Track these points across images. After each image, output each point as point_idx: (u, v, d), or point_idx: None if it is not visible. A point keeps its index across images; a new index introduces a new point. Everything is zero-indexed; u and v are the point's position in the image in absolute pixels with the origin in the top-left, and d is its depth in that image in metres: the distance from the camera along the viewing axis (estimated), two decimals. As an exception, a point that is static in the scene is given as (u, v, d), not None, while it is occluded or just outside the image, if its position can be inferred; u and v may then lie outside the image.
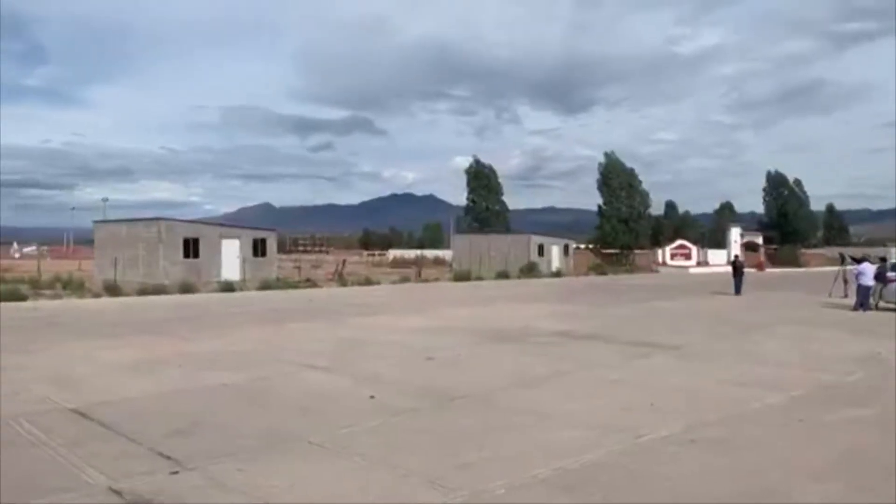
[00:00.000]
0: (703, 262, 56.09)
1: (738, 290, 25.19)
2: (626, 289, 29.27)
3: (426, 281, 34.52)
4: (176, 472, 5.05)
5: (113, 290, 24.03)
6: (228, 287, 26.79)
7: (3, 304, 19.69)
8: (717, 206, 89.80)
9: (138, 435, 6.08)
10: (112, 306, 20.08)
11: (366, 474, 5.04)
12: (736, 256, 30.55)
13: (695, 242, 61.15)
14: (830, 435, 6.21)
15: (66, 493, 4.60)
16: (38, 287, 24.35)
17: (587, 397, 7.75)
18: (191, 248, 31.56)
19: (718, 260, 57.53)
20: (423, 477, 4.96)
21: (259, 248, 34.28)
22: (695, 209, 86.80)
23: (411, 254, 63.97)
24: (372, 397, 7.63)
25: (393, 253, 72.05)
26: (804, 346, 12.07)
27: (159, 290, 24.66)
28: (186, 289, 25.44)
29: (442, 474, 5.00)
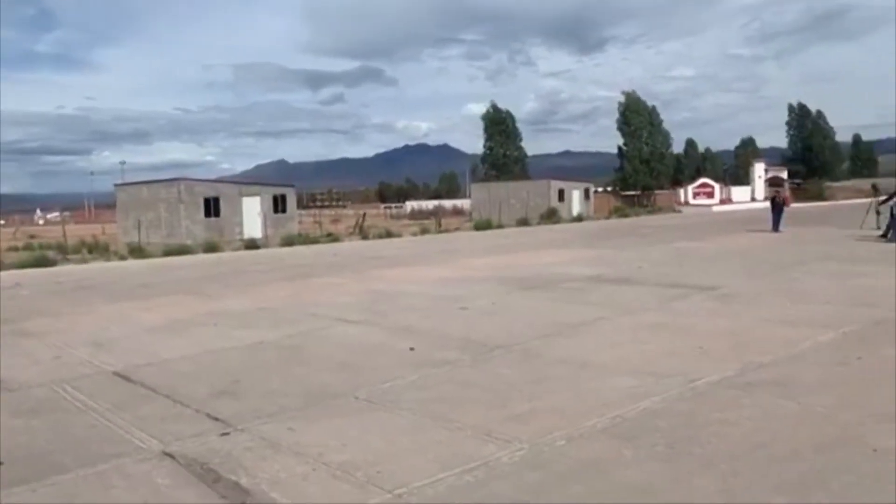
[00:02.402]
0: (726, 200, 55.18)
1: (776, 227, 24.49)
2: (651, 230, 28.84)
3: (446, 231, 34.33)
4: (226, 434, 4.99)
5: (138, 251, 24.18)
6: (252, 244, 26.86)
7: (33, 269, 19.90)
8: (738, 142, 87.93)
9: (183, 396, 6.04)
10: (138, 268, 20.20)
11: (417, 429, 4.94)
12: (777, 191, 29.48)
13: (717, 180, 60.01)
14: (893, 372, 5.97)
15: (119, 459, 4.55)
16: (65, 252, 24.59)
17: (630, 343, 7.57)
18: (211, 207, 31.61)
19: (742, 197, 56.56)
20: (477, 430, 4.84)
21: (279, 204, 34.25)
22: (716, 146, 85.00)
23: (429, 205, 63.65)
24: (412, 349, 7.53)
25: (411, 204, 71.68)
26: (846, 281, 11.74)
27: (183, 251, 24.78)
28: (210, 248, 25.53)
29: (495, 427, 4.88)
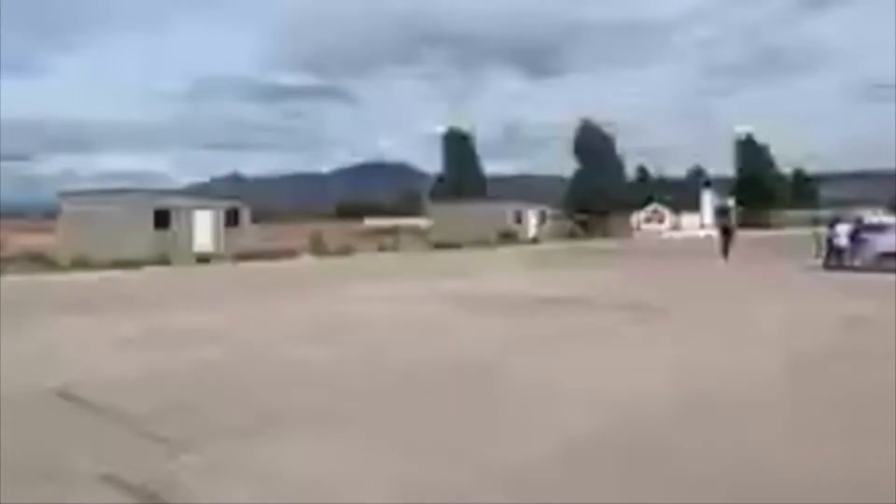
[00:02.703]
0: (676, 227, 56.69)
1: (725, 254, 25.02)
2: (604, 254, 29.38)
3: (403, 250, 34.24)
4: (172, 456, 4.77)
5: (83, 264, 23.27)
6: (203, 259, 26.19)
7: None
8: (689, 170, 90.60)
9: (127, 416, 5.76)
10: (83, 281, 19.41)
11: (378, 450, 4.82)
12: (727, 220, 30.23)
13: (668, 207, 61.68)
14: (842, 395, 6.16)
15: (55, 483, 4.29)
16: (2, 263, 23.46)
17: (587, 365, 7.62)
18: (162, 220, 30.70)
19: (691, 224, 58.20)
20: (443, 451, 4.75)
21: (233, 218, 33.53)
22: (667, 174, 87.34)
23: (387, 223, 63.40)
24: (370, 368, 7.40)
25: (368, 222, 71.27)
26: (791, 307, 12.14)
27: (131, 264, 23.96)
28: (159, 261, 24.78)
29: (463, 448, 4.81)
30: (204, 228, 31.54)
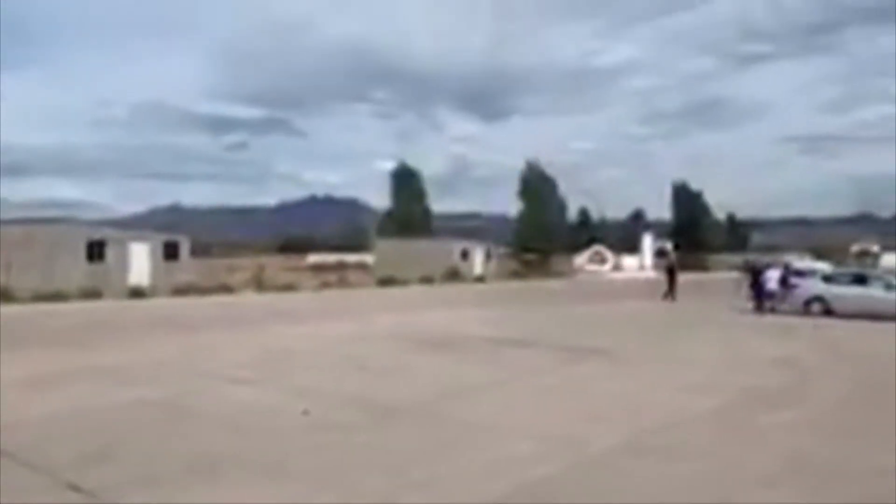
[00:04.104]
0: (617, 268, 58.17)
1: (671, 294, 25.35)
2: (548, 294, 29.79)
3: (349, 287, 33.84)
4: (91, 507, 4.46)
5: (4, 296, 21.99)
6: (138, 293, 25.18)
7: None
8: (629, 213, 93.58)
9: (42, 463, 5.38)
10: (4, 315, 18.30)
11: (310, 499, 4.64)
12: (671, 262, 30.97)
13: (609, 248, 63.34)
14: (770, 438, 6.33)
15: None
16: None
17: (528, 406, 7.62)
18: (95, 251, 29.50)
19: (632, 265, 59.85)
20: (375, 499, 4.61)
21: (171, 252, 32.52)
22: (608, 216, 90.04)
23: (332, 258, 62.67)
24: (306, 412, 7.17)
25: (313, 258, 70.29)
26: (726, 348, 12.53)
27: (59, 297, 22.81)
28: (90, 295, 23.68)
29: (394, 495, 4.68)
30: (140, 261, 30.46)
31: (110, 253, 29.80)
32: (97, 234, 30.03)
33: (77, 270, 28.16)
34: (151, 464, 5.39)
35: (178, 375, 9.28)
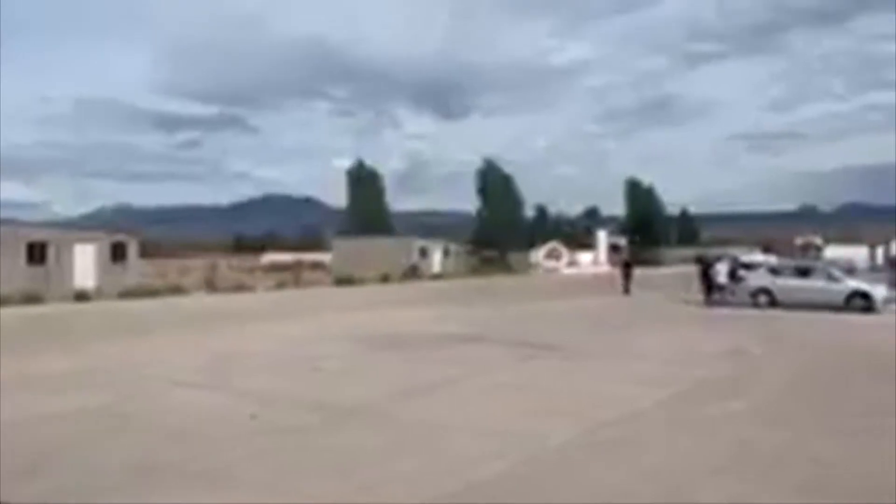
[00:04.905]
0: (573, 263, 58.92)
1: (627, 290, 25.89)
2: (506, 290, 29.93)
3: (305, 286, 33.35)
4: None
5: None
6: (83, 296, 24.27)
7: None
8: (584, 209, 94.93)
9: (-30, 478, 5.07)
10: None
11: (256, 506, 4.49)
12: (626, 258, 31.48)
13: (565, 244, 64.12)
14: (718, 429, 6.45)
15: None
16: None
17: (482, 403, 7.59)
18: (36, 253, 28.34)
19: (587, 261, 60.75)
20: (322, 502, 4.49)
21: (118, 253, 31.48)
22: (564, 212, 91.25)
23: (288, 258, 61.73)
24: (254, 416, 6.97)
25: (268, 257, 69.11)
26: (678, 341, 12.77)
27: (-4, 302, 21.77)
28: (31, 299, 22.69)
29: (343, 499, 4.56)
30: (85, 263, 29.41)
31: (53, 254, 28.69)
32: (38, 236, 28.86)
33: (17, 273, 27.01)
34: (86, 476, 5.14)
35: (121, 382, 8.93)
